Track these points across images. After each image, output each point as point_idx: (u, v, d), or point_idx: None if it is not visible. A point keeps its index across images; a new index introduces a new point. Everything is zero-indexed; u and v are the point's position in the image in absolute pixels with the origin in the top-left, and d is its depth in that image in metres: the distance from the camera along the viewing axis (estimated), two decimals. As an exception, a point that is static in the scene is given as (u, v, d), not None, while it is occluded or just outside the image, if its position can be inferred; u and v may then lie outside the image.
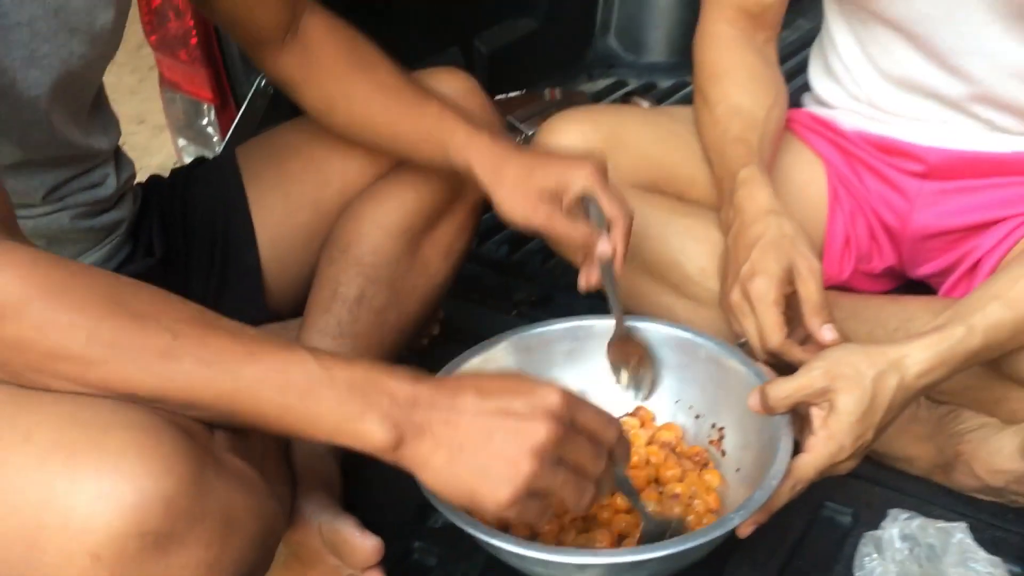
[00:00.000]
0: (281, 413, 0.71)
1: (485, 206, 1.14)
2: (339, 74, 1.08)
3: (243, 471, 0.72)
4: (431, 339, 1.27)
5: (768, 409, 0.90)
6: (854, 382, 0.88)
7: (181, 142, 1.60)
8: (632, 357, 1.04)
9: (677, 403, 1.06)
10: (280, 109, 1.46)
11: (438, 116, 1.05)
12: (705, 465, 0.99)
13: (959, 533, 0.81)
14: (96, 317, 0.69)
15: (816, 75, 1.29)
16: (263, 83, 1.43)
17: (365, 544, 0.84)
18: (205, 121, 1.55)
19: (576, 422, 0.72)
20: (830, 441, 0.87)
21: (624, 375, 1.06)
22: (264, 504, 0.73)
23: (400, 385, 0.71)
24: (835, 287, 1.21)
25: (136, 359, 0.69)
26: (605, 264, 0.98)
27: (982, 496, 1.00)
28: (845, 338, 0.99)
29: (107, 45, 0.95)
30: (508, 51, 1.93)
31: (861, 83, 1.21)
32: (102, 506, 0.63)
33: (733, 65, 1.19)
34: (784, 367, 0.98)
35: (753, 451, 0.94)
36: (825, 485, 0.94)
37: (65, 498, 0.64)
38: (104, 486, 0.64)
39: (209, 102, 1.46)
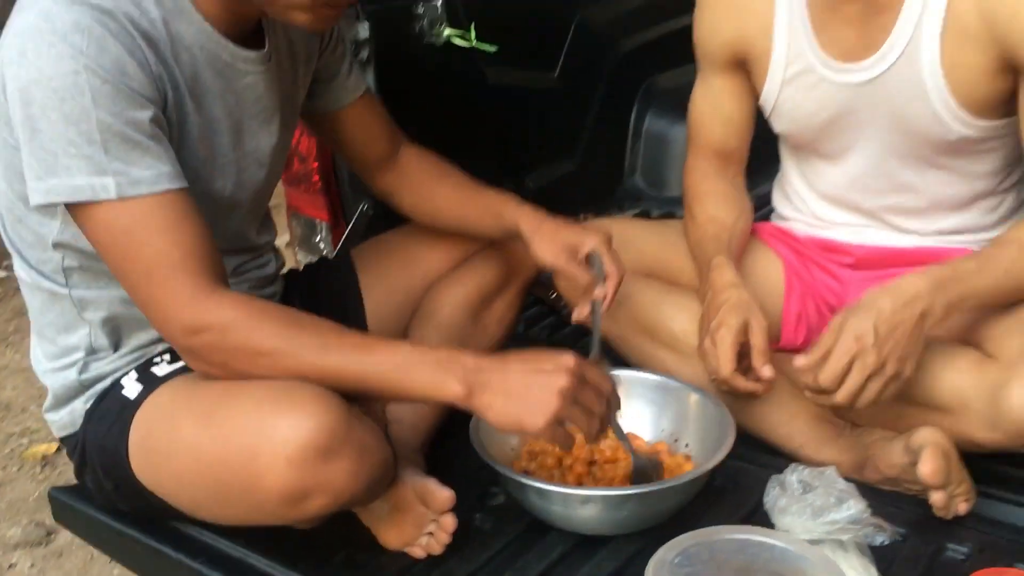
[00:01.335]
0: (395, 382, 1.15)
1: (529, 299, 1.56)
2: (426, 181, 1.54)
3: (371, 424, 1.15)
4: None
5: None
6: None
7: (300, 255, 2.08)
8: None
9: (662, 431, 1.47)
10: (377, 226, 1.93)
11: (495, 196, 1.50)
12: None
13: (829, 472, 1.19)
14: (278, 327, 1.14)
15: (777, 199, 1.73)
16: (366, 207, 1.91)
17: (443, 493, 1.24)
18: (318, 238, 2.03)
19: (586, 377, 1.14)
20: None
21: None
22: (383, 446, 1.16)
23: (468, 359, 1.15)
24: (792, 351, 1.61)
25: (306, 353, 1.14)
26: (596, 304, 1.38)
27: (885, 487, 1.36)
28: (782, 376, 1.40)
29: (278, 175, 1.43)
30: (552, 187, 2.38)
31: (807, 202, 1.64)
32: (294, 431, 1.07)
33: (710, 189, 1.64)
34: (745, 400, 1.39)
35: (710, 455, 1.33)
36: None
37: (272, 426, 1.08)
38: (295, 419, 1.08)
39: (325, 221, 1.94)
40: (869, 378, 1.24)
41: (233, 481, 1.11)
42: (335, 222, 1.93)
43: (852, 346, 1.24)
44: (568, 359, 1.14)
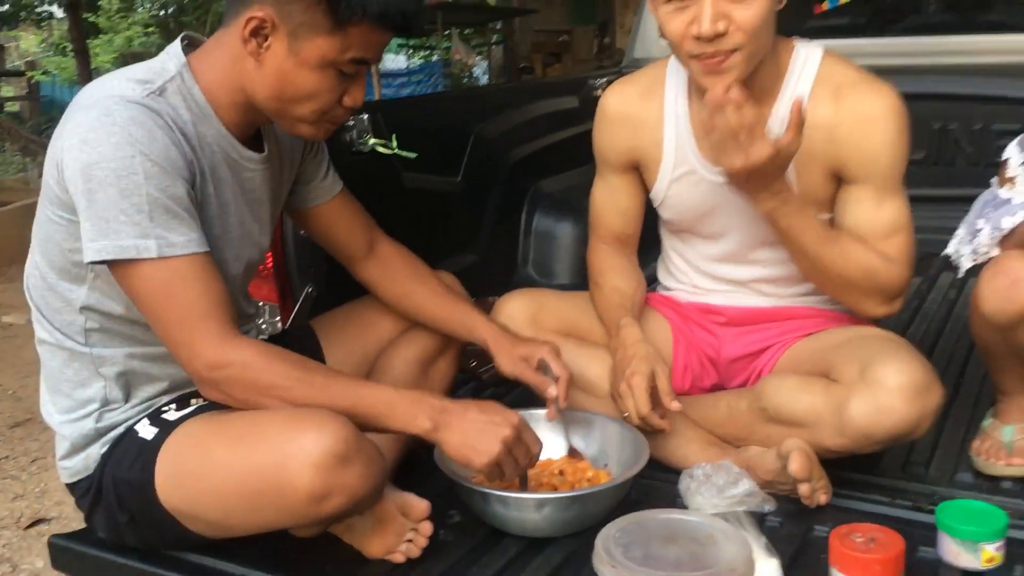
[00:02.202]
0: (377, 415, 1.44)
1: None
2: (405, 281, 1.84)
3: (371, 440, 1.42)
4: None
5: None
6: None
7: (245, 334, 2.31)
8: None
9: (589, 456, 1.79)
10: (320, 306, 2.21)
11: (467, 311, 1.84)
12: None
13: (725, 463, 1.54)
14: (287, 366, 1.42)
15: (661, 274, 2.12)
16: (310, 290, 2.18)
17: (422, 504, 1.52)
18: (262, 321, 2.29)
19: (522, 437, 1.49)
20: None
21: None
22: (383, 458, 1.43)
23: (436, 402, 1.47)
24: (681, 394, 1.97)
25: (307, 387, 1.41)
26: (553, 402, 1.73)
27: (764, 489, 1.70)
28: (685, 411, 1.75)
29: (263, 253, 1.71)
30: (458, 275, 2.70)
31: (687, 275, 2.03)
32: (317, 442, 1.34)
33: (611, 265, 2.00)
34: (649, 432, 1.73)
35: (628, 468, 1.66)
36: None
37: (299, 439, 1.34)
38: (318, 433, 1.34)
39: (274, 303, 2.20)
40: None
41: (266, 488, 1.35)
42: (284, 303, 2.19)
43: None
44: (514, 416, 1.48)
